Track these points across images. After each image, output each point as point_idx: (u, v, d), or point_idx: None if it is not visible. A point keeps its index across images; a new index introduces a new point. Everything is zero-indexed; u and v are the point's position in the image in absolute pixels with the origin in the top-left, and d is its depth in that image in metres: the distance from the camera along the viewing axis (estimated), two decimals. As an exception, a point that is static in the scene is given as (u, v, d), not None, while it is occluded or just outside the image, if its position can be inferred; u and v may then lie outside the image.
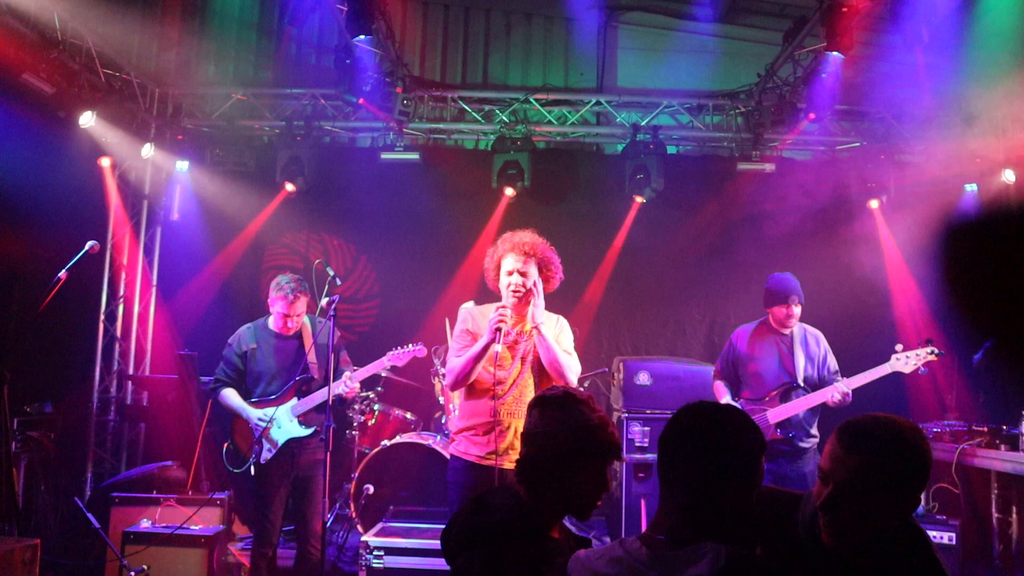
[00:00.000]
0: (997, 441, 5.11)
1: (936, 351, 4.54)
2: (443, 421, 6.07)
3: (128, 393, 7.49)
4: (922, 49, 5.69)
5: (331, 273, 4.41)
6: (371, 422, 6.24)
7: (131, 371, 7.46)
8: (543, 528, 2.09)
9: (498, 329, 3.49)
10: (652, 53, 7.97)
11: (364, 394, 6.12)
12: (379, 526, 5.21)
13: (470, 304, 4.02)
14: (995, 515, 5.22)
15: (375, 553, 4.79)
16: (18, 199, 5.56)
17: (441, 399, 6.14)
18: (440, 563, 4.70)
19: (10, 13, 5.36)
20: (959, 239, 6.86)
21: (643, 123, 7.40)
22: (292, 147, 7.16)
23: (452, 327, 5.21)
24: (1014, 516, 5.15)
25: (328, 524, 4.41)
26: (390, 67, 6.87)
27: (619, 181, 7.29)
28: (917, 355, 4.56)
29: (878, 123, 7.33)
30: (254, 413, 4.47)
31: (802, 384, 4.83)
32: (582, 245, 7.45)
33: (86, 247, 4.28)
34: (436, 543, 4.82)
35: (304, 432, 4.48)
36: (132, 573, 4.41)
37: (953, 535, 4.92)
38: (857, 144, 7.40)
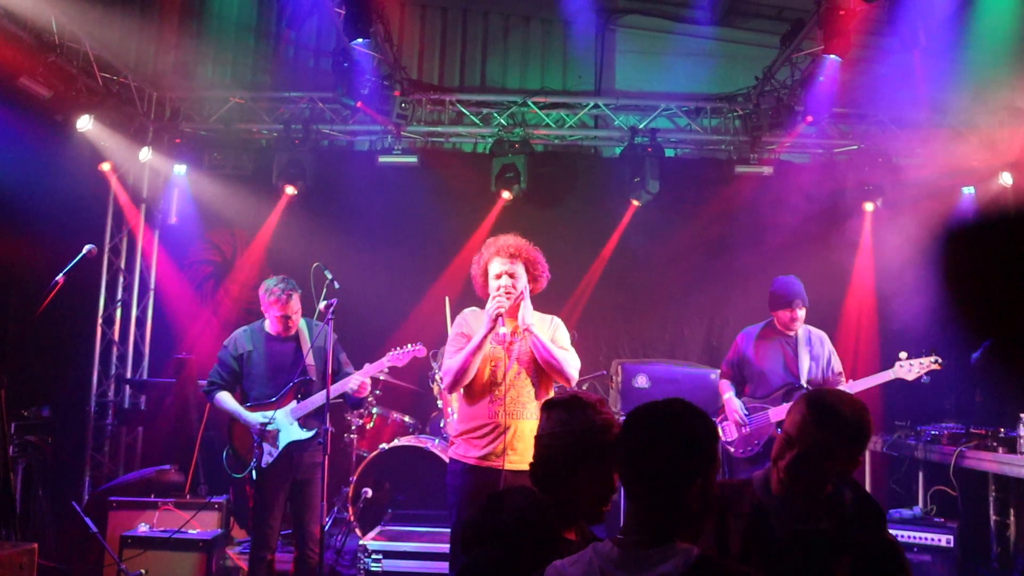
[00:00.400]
0: (995, 444, 5.10)
1: (939, 360, 4.56)
2: (442, 425, 6.06)
3: (126, 397, 7.47)
4: (919, 52, 5.69)
5: (329, 276, 4.41)
6: (369, 425, 6.24)
7: (129, 375, 7.45)
8: (556, 529, 2.11)
9: (498, 315, 3.50)
10: (650, 56, 7.98)
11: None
12: (377, 529, 5.21)
13: (471, 309, 4.01)
14: (993, 517, 5.22)
15: (373, 556, 4.79)
16: (15, 203, 5.55)
17: (440, 403, 6.13)
18: (439, 566, 4.74)
19: (7, 16, 5.35)
20: (956, 242, 6.86)
21: (641, 126, 7.40)
22: (290, 150, 7.15)
23: (451, 308, 5.19)
24: (1012, 519, 5.15)
25: (326, 528, 4.41)
26: (388, 70, 6.87)
27: (617, 184, 7.29)
28: (921, 363, 4.59)
29: (875, 126, 7.34)
30: (251, 416, 4.43)
31: (806, 385, 4.86)
32: (580, 248, 7.47)
33: (83, 251, 4.26)
34: (435, 546, 4.86)
35: (305, 435, 4.45)
36: (130, 577, 4.41)
37: (951, 537, 4.91)
38: (854, 147, 7.41)
